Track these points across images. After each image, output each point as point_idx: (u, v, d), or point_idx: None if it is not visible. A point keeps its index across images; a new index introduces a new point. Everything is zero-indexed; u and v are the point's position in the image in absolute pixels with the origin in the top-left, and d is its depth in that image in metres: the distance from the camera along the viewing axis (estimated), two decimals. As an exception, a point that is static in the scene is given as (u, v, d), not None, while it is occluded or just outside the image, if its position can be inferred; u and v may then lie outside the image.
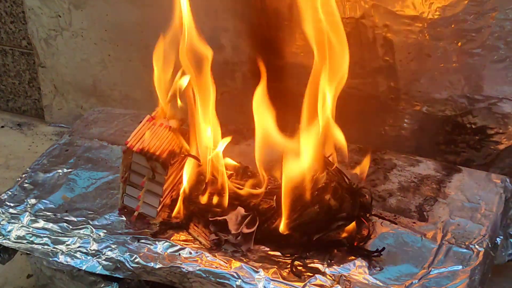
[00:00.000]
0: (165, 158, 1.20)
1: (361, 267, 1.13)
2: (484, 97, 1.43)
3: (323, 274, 1.12)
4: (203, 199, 1.25)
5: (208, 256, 1.17)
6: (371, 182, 1.34)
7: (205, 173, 1.26)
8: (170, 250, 1.19)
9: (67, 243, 1.24)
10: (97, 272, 1.20)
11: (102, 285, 1.23)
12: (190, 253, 1.18)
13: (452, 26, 1.38)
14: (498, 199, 1.27)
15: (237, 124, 1.52)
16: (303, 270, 1.13)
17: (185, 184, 1.26)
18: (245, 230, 1.18)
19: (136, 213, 1.25)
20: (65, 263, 1.22)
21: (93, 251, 1.21)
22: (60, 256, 1.22)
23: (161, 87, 1.27)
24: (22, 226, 1.28)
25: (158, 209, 1.24)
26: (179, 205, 1.25)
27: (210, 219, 1.22)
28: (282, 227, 1.18)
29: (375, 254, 1.14)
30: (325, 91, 1.17)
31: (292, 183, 1.19)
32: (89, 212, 1.30)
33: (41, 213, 1.31)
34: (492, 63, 1.39)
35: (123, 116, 1.61)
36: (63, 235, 1.26)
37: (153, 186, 1.23)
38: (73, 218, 1.29)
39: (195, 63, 1.25)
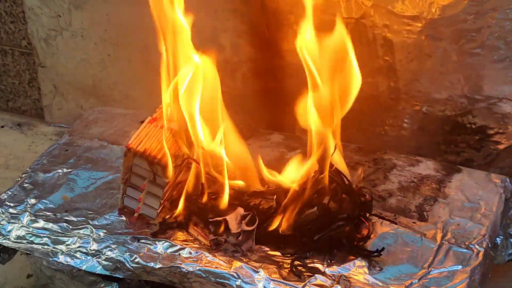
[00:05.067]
0: (166, 161, 1.20)
1: (361, 267, 1.13)
2: (484, 97, 1.43)
3: (323, 274, 1.12)
4: (203, 199, 1.25)
5: (208, 256, 1.17)
6: (371, 182, 1.34)
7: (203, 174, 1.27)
8: (170, 250, 1.19)
9: (67, 243, 1.24)
10: (97, 272, 1.20)
11: (102, 285, 1.23)
12: (190, 253, 1.18)
13: (452, 26, 1.38)
14: (498, 199, 1.27)
15: (237, 124, 1.52)
16: (303, 270, 1.13)
17: (186, 185, 1.26)
18: (245, 228, 1.18)
19: (136, 215, 1.25)
20: (65, 263, 1.22)
21: (93, 251, 1.21)
22: (60, 256, 1.22)
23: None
24: (22, 226, 1.28)
25: (158, 210, 1.24)
26: (180, 205, 1.25)
27: (210, 219, 1.22)
28: (282, 227, 1.18)
29: (375, 254, 1.14)
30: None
31: (291, 184, 1.19)
32: (89, 212, 1.30)
33: (41, 213, 1.31)
34: (492, 63, 1.39)
35: (123, 116, 1.61)
36: (63, 235, 1.26)
37: (153, 188, 1.23)
38: (73, 218, 1.29)
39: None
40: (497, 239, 1.23)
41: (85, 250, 1.22)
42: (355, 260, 1.14)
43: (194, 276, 1.15)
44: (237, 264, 1.15)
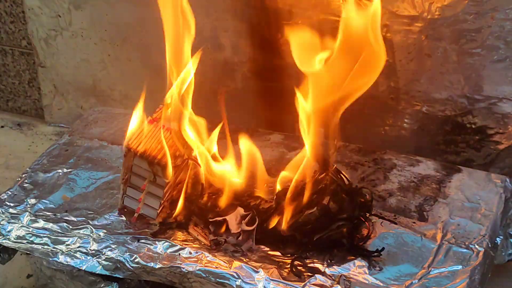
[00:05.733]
0: (166, 161, 1.20)
1: (361, 267, 1.13)
2: (484, 97, 1.43)
3: (323, 274, 1.12)
4: (203, 199, 1.25)
5: (208, 256, 1.17)
6: (371, 182, 1.34)
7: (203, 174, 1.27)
8: (170, 250, 1.19)
9: (67, 243, 1.24)
10: (97, 272, 1.20)
11: (102, 285, 1.23)
12: (190, 253, 1.18)
13: (452, 26, 1.38)
14: (498, 199, 1.27)
15: (237, 124, 1.52)
16: (303, 270, 1.13)
17: (185, 185, 1.26)
18: (245, 228, 1.18)
19: (136, 215, 1.25)
20: (65, 263, 1.22)
21: (93, 251, 1.21)
22: (60, 256, 1.22)
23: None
24: (22, 226, 1.28)
25: (159, 211, 1.24)
26: (180, 205, 1.25)
27: (210, 219, 1.22)
28: (282, 227, 1.18)
29: (375, 254, 1.14)
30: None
31: (291, 184, 1.19)
32: (89, 212, 1.30)
33: (41, 213, 1.31)
34: (492, 63, 1.39)
35: (123, 116, 1.61)
36: (63, 235, 1.26)
37: (154, 188, 1.22)
38: (73, 218, 1.29)
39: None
40: (497, 239, 1.23)
41: (85, 250, 1.22)
42: (355, 260, 1.14)
43: (194, 276, 1.15)
44: (237, 264, 1.15)
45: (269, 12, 1.54)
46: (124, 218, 1.27)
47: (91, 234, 1.25)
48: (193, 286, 1.17)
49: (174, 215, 1.25)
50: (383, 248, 1.15)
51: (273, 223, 1.19)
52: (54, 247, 1.24)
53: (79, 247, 1.23)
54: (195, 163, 1.26)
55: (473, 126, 1.47)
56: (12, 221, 1.29)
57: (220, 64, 1.65)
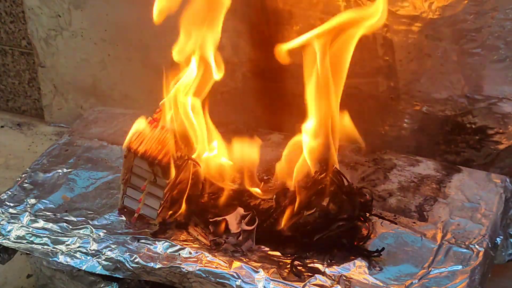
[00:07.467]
0: (166, 162, 1.20)
1: (361, 267, 1.13)
2: (484, 97, 1.43)
3: (323, 274, 1.12)
4: (203, 199, 1.25)
5: (208, 256, 1.17)
6: (371, 182, 1.34)
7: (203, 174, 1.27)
8: (170, 250, 1.19)
9: (67, 243, 1.24)
10: (97, 272, 1.20)
11: (102, 285, 1.23)
12: (190, 253, 1.18)
13: (452, 26, 1.38)
14: (498, 199, 1.27)
15: (237, 124, 1.52)
16: (303, 270, 1.13)
17: (186, 185, 1.26)
18: (245, 228, 1.18)
19: (136, 215, 1.25)
20: (65, 263, 1.22)
21: (93, 251, 1.21)
22: (60, 256, 1.22)
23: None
24: (22, 226, 1.28)
25: (159, 211, 1.24)
26: (183, 206, 1.25)
27: (210, 220, 1.22)
28: (282, 227, 1.18)
29: (375, 254, 1.14)
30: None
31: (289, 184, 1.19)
32: (89, 212, 1.30)
33: (41, 213, 1.31)
34: (492, 63, 1.39)
35: (123, 116, 1.61)
36: (63, 235, 1.26)
37: (154, 189, 1.22)
38: (73, 218, 1.29)
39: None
40: (497, 239, 1.23)
41: (85, 250, 1.22)
42: (355, 260, 1.14)
43: (194, 276, 1.15)
44: (237, 264, 1.15)
45: (269, 12, 1.54)
46: (124, 218, 1.27)
47: (91, 234, 1.24)
48: (193, 286, 1.17)
49: (175, 215, 1.25)
50: (383, 248, 1.15)
51: (273, 223, 1.19)
52: (54, 247, 1.24)
53: (79, 247, 1.23)
54: (196, 163, 1.26)
55: (473, 126, 1.47)
56: (12, 221, 1.29)
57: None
